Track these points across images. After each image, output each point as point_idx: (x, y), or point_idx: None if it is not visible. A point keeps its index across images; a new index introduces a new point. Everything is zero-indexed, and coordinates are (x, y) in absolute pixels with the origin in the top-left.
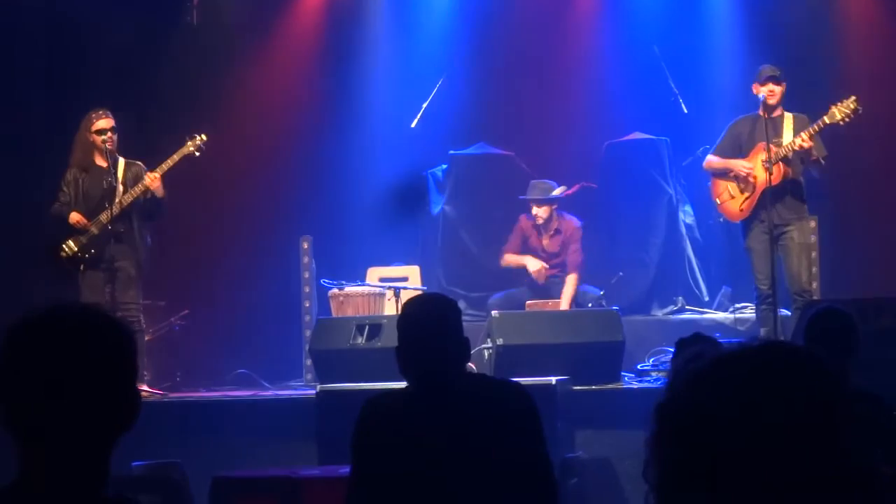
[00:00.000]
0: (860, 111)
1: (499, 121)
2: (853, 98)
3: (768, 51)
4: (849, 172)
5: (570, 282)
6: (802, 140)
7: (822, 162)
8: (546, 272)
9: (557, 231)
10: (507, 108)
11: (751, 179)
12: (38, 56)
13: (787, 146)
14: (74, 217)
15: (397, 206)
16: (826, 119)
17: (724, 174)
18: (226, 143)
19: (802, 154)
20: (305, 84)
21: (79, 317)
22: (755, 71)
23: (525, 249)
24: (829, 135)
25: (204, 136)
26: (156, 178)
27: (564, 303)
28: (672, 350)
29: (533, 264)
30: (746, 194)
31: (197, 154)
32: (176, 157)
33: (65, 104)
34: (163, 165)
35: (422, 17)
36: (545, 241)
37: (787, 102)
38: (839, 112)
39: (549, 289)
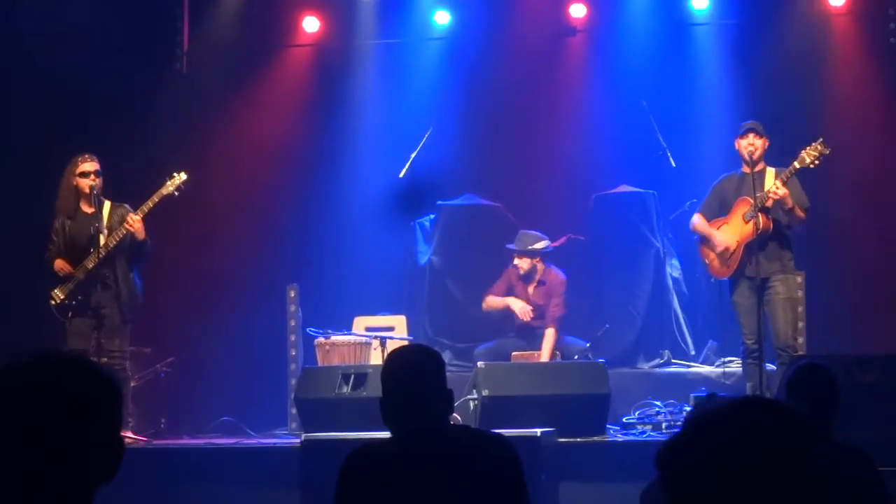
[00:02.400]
0: (827, 152)
1: (487, 172)
2: (820, 140)
3: (756, 106)
4: (837, 227)
5: (549, 336)
6: (776, 188)
7: (800, 213)
8: (530, 311)
9: (542, 282)
10: (495, 159)
11: (723, 252)
12: (29, 103)
13: (761, 195)
14: (58, 264)
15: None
16: (796, 164)
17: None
18: (213, 191)
19: (780, 204)
20: (294, 133)
21: (62, 365)
22: (739, 127)
23: (509, 296)
24: (817, 191)
25: (183, 176)
26: (136, 220)
27: (545, 356)
28: (657, 403)
29: (516, 304)
30: (731, 250)
31: (176, 194)
32: (156, 198)
33: (53, 149)
34: (143, 207)
35: (410, 68)
36: (530, 291)
37: (774, 158)
38: (808, 156)
39: (536, 339)
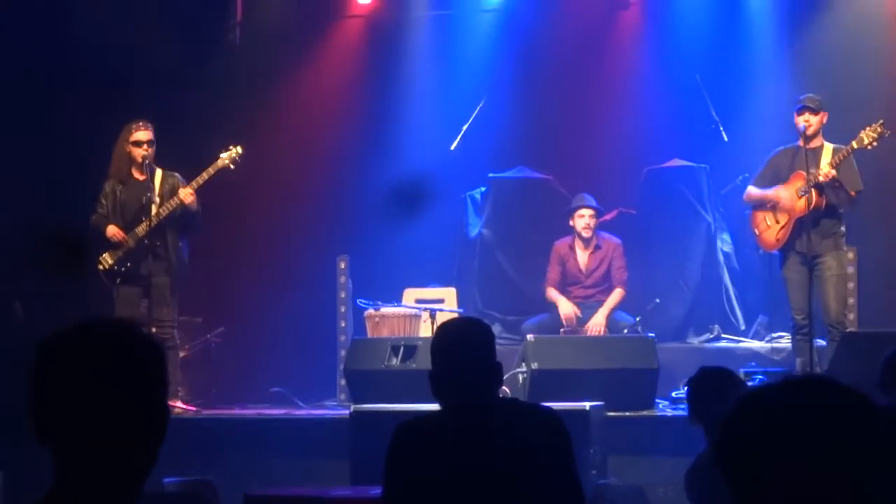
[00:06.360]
0: (887, 135)
1: (538, 144)
2: (880, 121)
3: (812, 80)
4: (890, 204)
5: (615, 295)
6: (829, 169)
7: (852, 194)
8: (576, 318)
9: (598, 247)
10: (547, 131)
11: (784, 204)
12: (82, 69)
13: (814, 173)
14: (111, 230)
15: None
16: (854, 144)
17: (762, 205)
18: (265, 162)
19: (832, 184)
20: (346, 104)
21: (107, 331)
22: (796, 101)
23: (565, 274)
24: (870, 167)
25: (239, 149)
26: (190, 193)
27: (602, 312)
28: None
29: (565, 307)
30: (782, 223)
31: (232, 167)
32: (211, 170)
33: (106, 116)
34: (198, 179)
35: (463, 40)
36: (582, 259)
37: (830, 133)
38: (867, 137)
39: (586, 313)
